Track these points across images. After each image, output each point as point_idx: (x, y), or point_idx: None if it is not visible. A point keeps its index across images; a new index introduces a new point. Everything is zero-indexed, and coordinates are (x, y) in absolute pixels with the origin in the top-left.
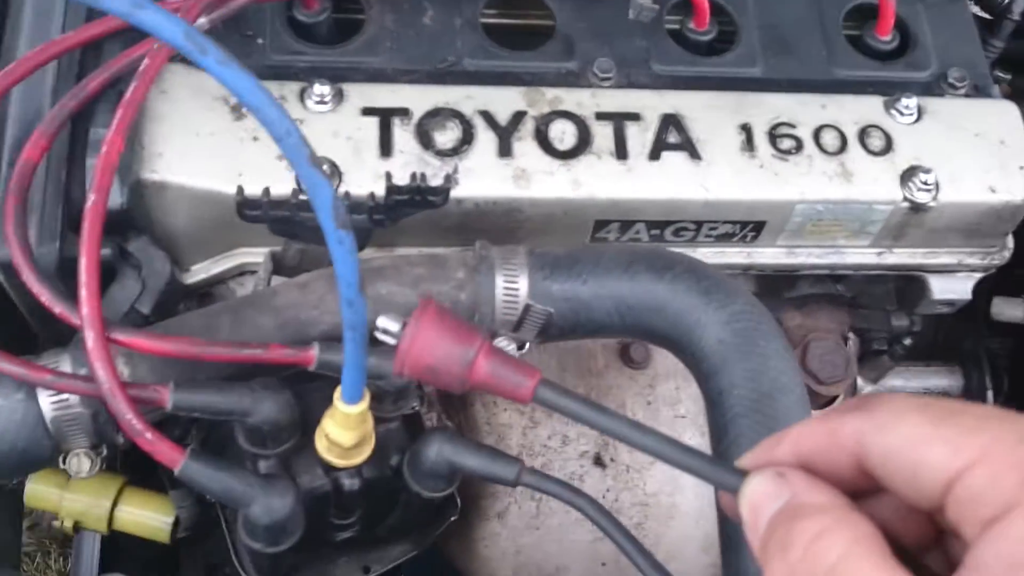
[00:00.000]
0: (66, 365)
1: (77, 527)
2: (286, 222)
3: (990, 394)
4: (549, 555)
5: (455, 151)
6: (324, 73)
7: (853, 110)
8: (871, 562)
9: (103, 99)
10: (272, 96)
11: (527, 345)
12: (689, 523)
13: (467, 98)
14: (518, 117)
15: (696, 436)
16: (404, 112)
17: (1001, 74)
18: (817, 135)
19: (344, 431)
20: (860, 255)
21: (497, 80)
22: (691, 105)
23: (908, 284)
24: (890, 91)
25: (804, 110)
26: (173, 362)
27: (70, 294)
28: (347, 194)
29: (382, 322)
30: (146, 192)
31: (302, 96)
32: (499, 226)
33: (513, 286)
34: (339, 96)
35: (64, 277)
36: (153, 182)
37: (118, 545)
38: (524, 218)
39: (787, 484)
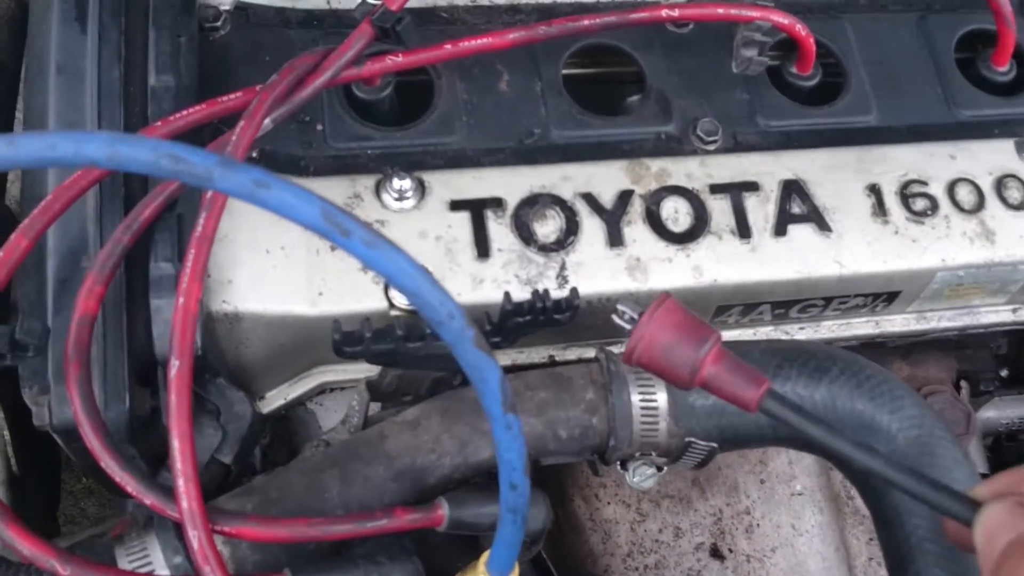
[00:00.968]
0: (156, 553)
1: None
2: (390, 355)
3: None
4: None
5: (560, 244)
6: (397, 160)
7: (985, 159)
8: None
9: (158, 220)
10: (431, 276)
11: (664, 468)
12: None
13: (564, 179)
14: (624, 197)
15: (816, 514)
16: (497, 203)
17: None
18: (951, 191)
19: None
20: (995, 314)
21: (592, 153)
22: (811, 167)
23: None
24: (1017, 131)
25: (933, 163)
26: None
27: (146, 455)
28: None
29: (622, 306)
30: (218, 326)
31: (378, 191)
32: (610, 321)
33: (652, 403)
34: (421, 188)
35: (133, 436)
36: (226, 314)
37: None
38: None
39: None
